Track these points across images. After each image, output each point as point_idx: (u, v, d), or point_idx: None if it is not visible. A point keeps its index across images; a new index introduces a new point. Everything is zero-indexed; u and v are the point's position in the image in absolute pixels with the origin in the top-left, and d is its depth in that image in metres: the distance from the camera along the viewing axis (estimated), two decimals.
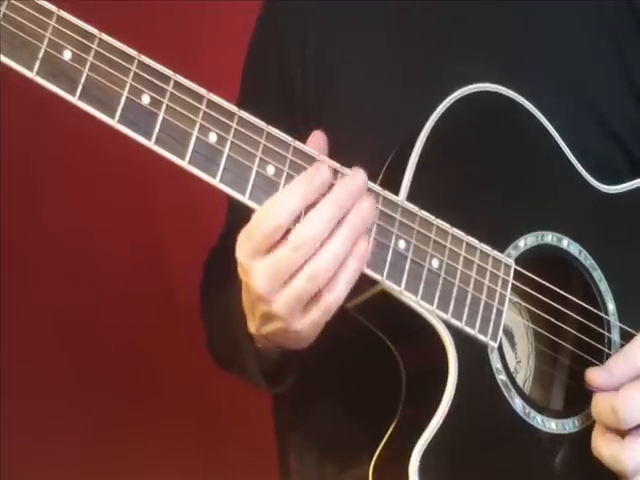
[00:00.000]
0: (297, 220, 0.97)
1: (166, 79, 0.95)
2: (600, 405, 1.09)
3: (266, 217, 0.96)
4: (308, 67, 1.30)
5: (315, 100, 1.28)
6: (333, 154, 1.03)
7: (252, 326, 1.08)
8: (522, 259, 1.11)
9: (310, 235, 0.96)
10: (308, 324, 1.01)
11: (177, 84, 0.96)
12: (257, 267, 0.98)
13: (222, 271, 1.24)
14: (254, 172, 0.97)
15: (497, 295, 1.08)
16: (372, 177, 1.05)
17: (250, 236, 0.98)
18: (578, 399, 1.13)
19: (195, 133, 0.95)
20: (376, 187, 1.03)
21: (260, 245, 0.97)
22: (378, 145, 1.09)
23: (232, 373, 1.30)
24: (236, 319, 1.12)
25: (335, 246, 0.97)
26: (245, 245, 0.98)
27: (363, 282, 1.03)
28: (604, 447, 1.09)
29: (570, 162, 1.17)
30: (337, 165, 1.01)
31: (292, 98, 1.30)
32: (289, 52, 1.31)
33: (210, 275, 1.36)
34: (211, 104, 0.97)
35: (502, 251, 1.10)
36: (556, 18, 1.26)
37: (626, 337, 1.15)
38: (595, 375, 1.11)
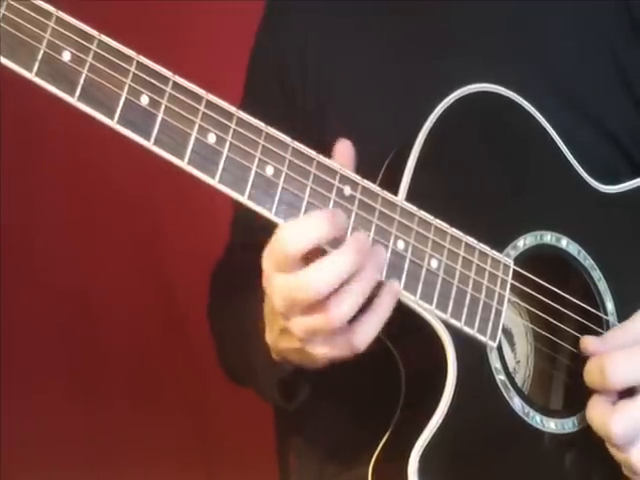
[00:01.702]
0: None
1: (165, 80, 0.95)
2: (590, 366, 1.10)
3: (288, 237, 0.95)
4: (308, 78, 1.30)
5: (316, 106, 1.28)
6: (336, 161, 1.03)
7: (270, 337, 1.08)
8: (521, 259, 1.11)
9: (318, 280, 0.94)
10: (323, 354, 1.00)
11: (176, 85, 0.96)
12: (276, 281, 0.97)
13: (229, 285, 1.24)
14: (253, 173, 0.97)
15: (496, 295, 1.09)
16: (372, 178, 1.05)
17: (272, 250, 0.97)
18: (577, 399, 1.13)
19: (194, 134, 0.95)
20: (375, 187, 1.03)
21: (280, 262, 0.96)
22: (379, 148, 1.09)
23: (246, 386, 1.30)
24: (252, 333, 1.12)
25: (352, 297, 0.96)
26: (269, 255, 0.97)
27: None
28: (594, 412, 1.09)
29: (569, 162, 1.17)
30: (336, 165, 1.01)
31: (294, 104, 1.30)
32: (290, 60, 1.32)
33: (217, 289, 1.35)
34: (210, 105, 0.97)
35: (501, 251, 1.10)
36: (553, 19, 1.26)
37: None
38: (589, 340, 1.11)
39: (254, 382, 1.20)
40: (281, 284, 0.97)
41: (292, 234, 0.95)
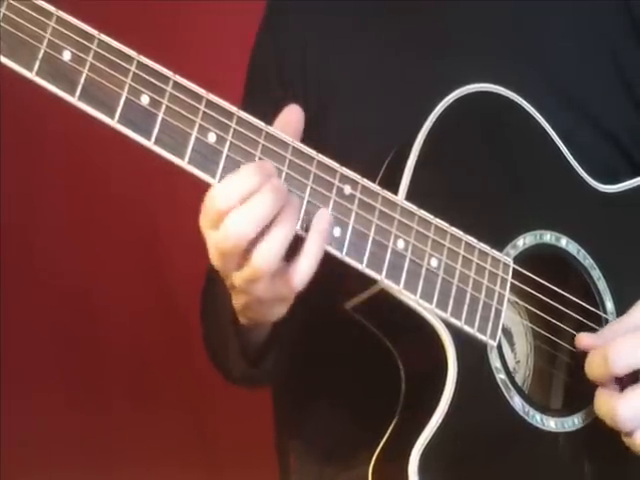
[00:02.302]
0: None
1: (165, 79, 0.95)
2: (591, 357, 1.09)
3: (217, 194, 0.96)
4: (308, 78, 1.30)
5: (317, 106, 1.28)
6: (336, 161, 1.02)
7: (233, 300, 1.09)
8: (521, 258, 1.12)
9: (235, 229, 0.95)
10: (267, 300, 1.01)
11: (176, 84, 0.96)
12: (208, 239, 0.99)
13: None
14: None
15: (496, 294, 1.09)
16: (372, 177, 1.05)
17: (205, 209, 0.98)
18: (577, 398, 1.13)
19: (194, 133, 0.96)
20: (375, 187, 1.03)
21: (213, 220, 0.97)
22: (379, 147, 1.10)
23: (220, 367, 1.30)
24: (222, 301, 1.12)
25: (274, 243, 0.96)
26: (203, 215, 0.98)
27: (362, 281, 1.04)
28: (600, 400, 1.08)
29: (568, 162, 1.18)
30: (336, 164, 1.01)
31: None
32: (290, 60, 1.32)
33: (209, 280, 1.36)
34: (210, 104, 0.97)
35: (501, 250, 1.10)
36: (553, 19, 1.26)
37: None
38: (583, 336, 1.12)
39: (225, 352, 1.20)
40: (211, 240, 0.98)
41: (221, 190, 0.95)
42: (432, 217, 1.05)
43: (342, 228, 1.01)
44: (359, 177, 1.02)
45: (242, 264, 0.97)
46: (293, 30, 1.33)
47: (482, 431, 1.08)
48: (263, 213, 0.95)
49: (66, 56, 0.92)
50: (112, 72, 0.93)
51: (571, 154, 1.18)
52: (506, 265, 1.10)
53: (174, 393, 2.13)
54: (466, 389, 1.05)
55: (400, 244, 1.03)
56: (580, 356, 1.13)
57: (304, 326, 1.15)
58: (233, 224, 0.95)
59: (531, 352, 1.18)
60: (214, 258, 0.99)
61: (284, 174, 0.99)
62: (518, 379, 1.15)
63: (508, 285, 1.10)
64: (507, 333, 1.16)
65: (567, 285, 1.15)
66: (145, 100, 0.94)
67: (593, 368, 1.09)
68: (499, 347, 1.09)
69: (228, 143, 0.97)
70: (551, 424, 1.11)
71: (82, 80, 0.92)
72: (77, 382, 2.11)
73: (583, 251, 1.16)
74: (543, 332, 1.16)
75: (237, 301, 1.06)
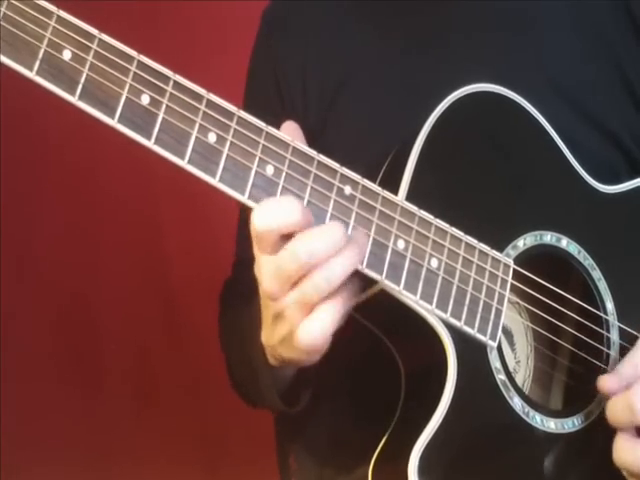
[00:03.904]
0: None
1: (166, 79, 0.95)
2: (615, 405, 1.08)
3: (256, 220, 0.95)
4: (308, 81, 1.30)
5: (317, 119, 1.28)
6: (337, 161, 1.02)
7: (265, 334, 1.08)
8: (521, 259, 1.12)
9: (308, 251, 0.95)
10: (314, 328, 0.99)
11: (177, 84, 0.96)
12: (262, 261, 0.98)
13: (237, 301, 1.24)
14: (253, 172, 0.97)
15: (496, 295, 1.09)
16: (372, 177, 1.05)
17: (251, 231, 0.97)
18: (577, 399, 1.13)
19: (195, 133, 0.95)
20: (375, 187, 1.03)
21: (257, 243, 0.97)
22: (380, 147, 1.09)
23: (251, 402, 1.29)
24: (251, 336, 1.12)
25: (342, 261, 0.97)
26: (252, 238, 0.98)
27: (362, 282, 1.03)
28: (623, 453, 1.07)
29: (569, 162, 1.18)
30: (336, 165, 1.01)
31: (293, 110, 1.30)
32: (289, 72, 1.32)
33: (225, 308, 1.35)
34: (211, 104, 0.97)
35: (501, 251, 1.10)
36: (554, 18, 1.26)
37: (625, 336, 1.16)
38: (606, 380, 1.10)
39: (258, 392, 1.19)
40: (266, 261, 0.97)
41: (260, 216, 0.95)
42: (432, 217, 1.05)
43: None
44: (359, 177, 1.02)
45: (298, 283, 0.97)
46: (293, 32, 1.33)
47: (482, 432, 1.08)
48: (335, 239, 0.96)
49: (66, 55, 0.91)
50: (112, 72, 0.93)
51: (572, 154, 1.18)
52: (506, 266, 1.10)
53: (174, 393, 2.13)
54: (466, 390, 1.05)
55: (400, 244, 1.03)
56: (580, 357, 1.13)
57: None
58: (300, 244, 0.95)
59: (531, 353, 1.18)
60: (267, 280, 0.97)
61: (284, 174, 0.99)
62: (518, 379, 1.15)
63: (508, 286, 1.10)
64: (507, 333, 1.16)
65: (568, 286, 1.15)
66: (145, 100, 0.94)
67: (617, 416, 1.08)
68: (499, 347, 1.09)
69: (228, 143, 0.97)
70: (551, 425, 1.11)
71: (82, 80, 0.92)
72: (78, 382, 2.11)
73: (584, 252, 1.16)
74: (544, 332, 1.16)
75: (276, 332, 1.04)
